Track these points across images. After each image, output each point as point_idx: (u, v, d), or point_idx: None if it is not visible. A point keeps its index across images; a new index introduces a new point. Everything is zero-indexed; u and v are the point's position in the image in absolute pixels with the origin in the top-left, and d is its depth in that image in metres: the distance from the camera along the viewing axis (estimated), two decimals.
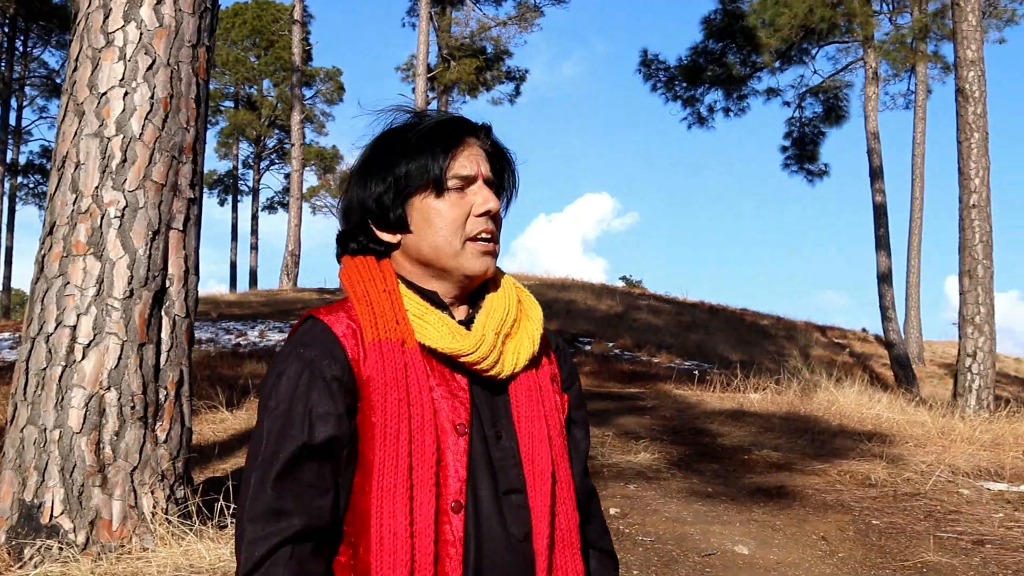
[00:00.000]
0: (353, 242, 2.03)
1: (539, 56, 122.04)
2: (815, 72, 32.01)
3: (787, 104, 31.41)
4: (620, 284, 41.33)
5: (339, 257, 2.07)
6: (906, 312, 31.56)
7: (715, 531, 7.25)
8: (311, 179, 65.39)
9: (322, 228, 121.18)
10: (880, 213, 26.95)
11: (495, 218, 2.01)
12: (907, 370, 25.22)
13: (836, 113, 31.35)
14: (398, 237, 1.99)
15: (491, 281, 2.10)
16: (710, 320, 30.23)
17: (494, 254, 2.02)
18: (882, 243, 26.69)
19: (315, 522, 1.81)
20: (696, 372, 16.57)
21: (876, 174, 27.20)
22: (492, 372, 1.97)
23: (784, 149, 31.51)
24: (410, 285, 2.00)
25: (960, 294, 14.61)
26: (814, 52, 31.09)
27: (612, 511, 7.55)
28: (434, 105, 41.76)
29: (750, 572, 6.44)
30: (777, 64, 29.72)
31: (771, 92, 30.63)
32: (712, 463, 9.58)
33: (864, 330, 38.42)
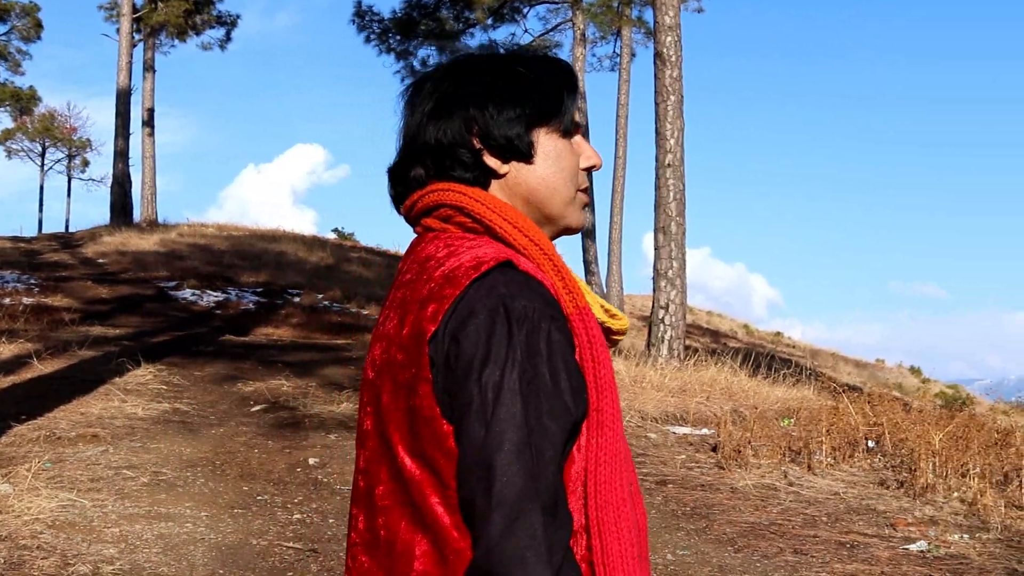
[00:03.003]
0: (459, 168, 1.71)
1: (254, 3, 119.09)
2: (526, 31, 32.36)
3: None
4: (332, 236, 41.04)
5: (420, 182, 1.75)
6: (608, 266, 32.69)
7: None
8: (5, 120, 61.69)
9: (18, 173, 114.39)
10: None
11: None
12: None
13: None
14: (507, 168, 1.72)
15: None
16: None
17: None
18: None
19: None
20: None
21: (582, 133, 27.97)
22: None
23: None
24: None
25: (655, 249, 15.26)
26: (525, 11, 31.62)
27: (311, 461, 7.54)
28: (140, 48, 40.05)
29: None
30: (490, 21, 30.05)
31: (484, 49, 30.94)
32: None
33: None
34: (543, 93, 1.74)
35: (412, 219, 1.77)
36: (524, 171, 1.72)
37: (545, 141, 1.74)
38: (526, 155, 1.72)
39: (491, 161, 1.71)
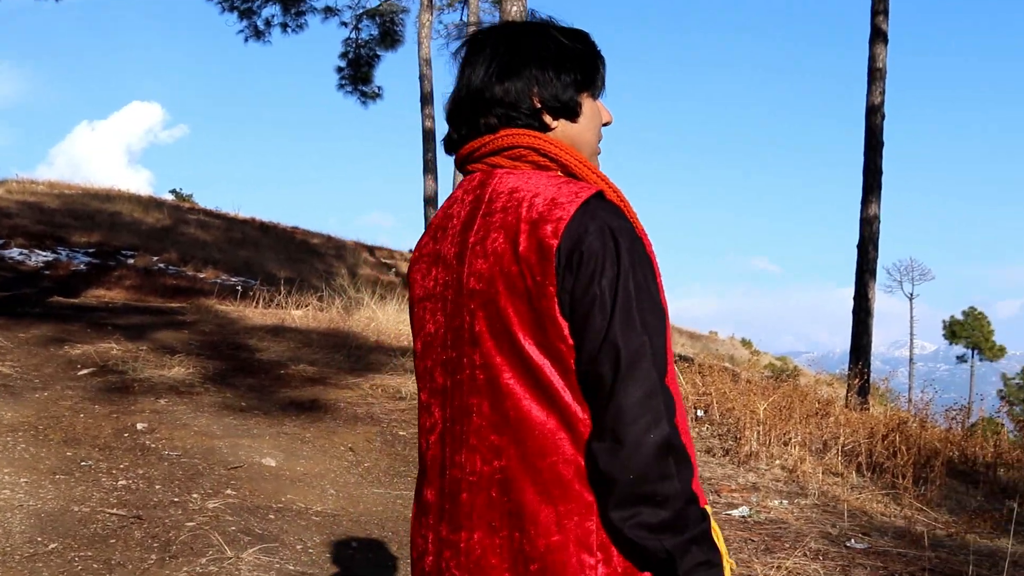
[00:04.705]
0: (525, 118, 2.06)
1: None
2: None
3: (344, 24, 31.43)
4: (170, 197, 40.06)
5: (492, 128, 2.06)
6: None
7: (244, 444, 7.26)
8: None
9: None
10: (428, 138, 27.61)
11: None
12: None
13: (391, 37, 31.74)
14: (556, 124, 2.08)
15: None
16: (261, 237, 30.01)
17: None
18: (429, 167, 27.41)
19: None
20: (240, 288, 16.41)
21: (427, 100, 27.81)
22: None
23: (340, 70, 31.56)
24: None
25: None
26: None
27: (139, 426, 7.38)
28: None
29: (275, 483, 6.51)
30: None
31: (329, 11, 30.51)
32: (248, 378, 9.57)
33: (411, 251, 39.52)
34: (588, 63, 2.10)
35: (475, 158, 2.09)
36: (568, 127, 2.09)
37: (586, 103, 2.11)
38: (574, 115, 2.09)
39: (546, 118, 2.06)
